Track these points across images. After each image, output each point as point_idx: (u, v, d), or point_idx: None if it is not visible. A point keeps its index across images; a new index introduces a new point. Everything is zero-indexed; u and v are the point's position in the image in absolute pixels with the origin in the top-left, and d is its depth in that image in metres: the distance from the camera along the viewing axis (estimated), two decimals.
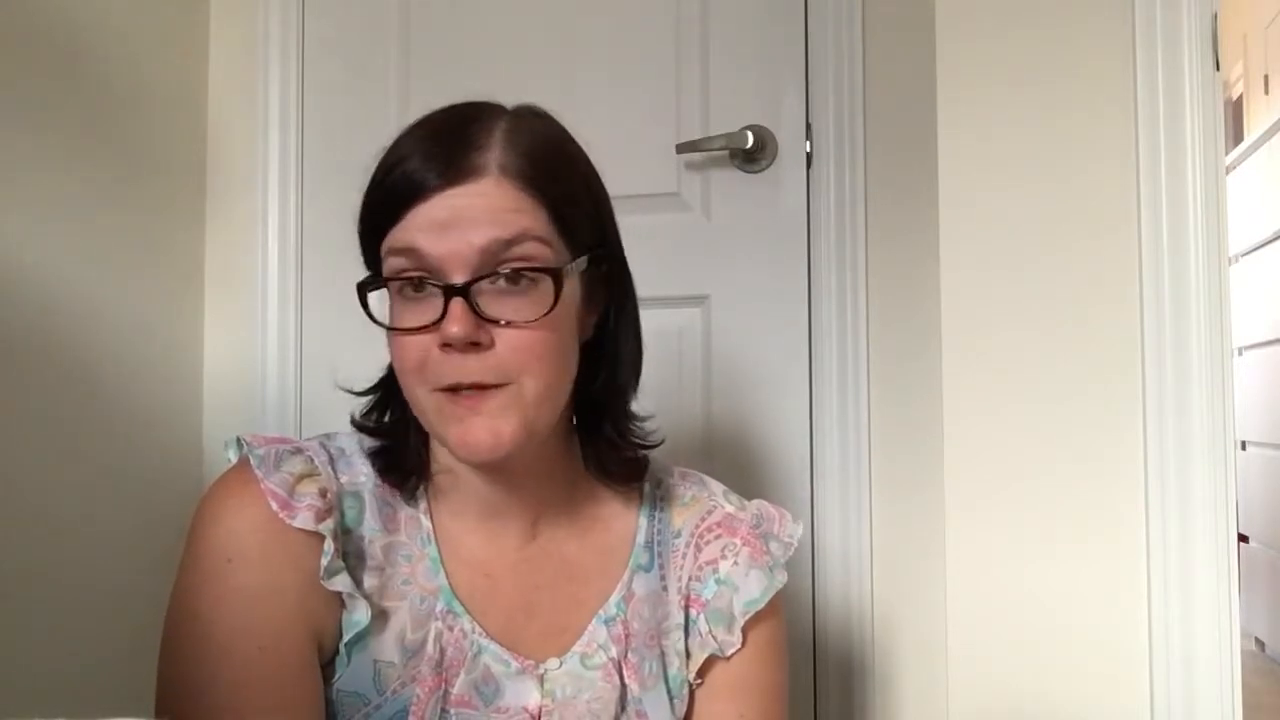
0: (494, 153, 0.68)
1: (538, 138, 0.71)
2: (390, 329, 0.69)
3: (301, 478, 0.70)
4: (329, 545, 0.68)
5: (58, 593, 1.25)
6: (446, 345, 0.66)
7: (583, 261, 0.72)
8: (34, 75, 1.24)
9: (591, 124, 0.77)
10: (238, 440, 0.73)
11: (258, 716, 0.65)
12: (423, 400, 0.69)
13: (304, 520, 0.67)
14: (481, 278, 0.66)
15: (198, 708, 0.65)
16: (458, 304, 0.65)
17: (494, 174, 0.67)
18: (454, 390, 0.67)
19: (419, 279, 0.67)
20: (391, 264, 0.68)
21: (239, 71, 1.57)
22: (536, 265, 0.68)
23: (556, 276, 0.68)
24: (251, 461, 0.69)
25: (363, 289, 0.71)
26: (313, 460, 0.72)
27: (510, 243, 0.66)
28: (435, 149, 0.68)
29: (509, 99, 0.75)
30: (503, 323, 0.67)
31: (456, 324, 0.65)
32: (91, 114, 1.33)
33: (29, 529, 1.21)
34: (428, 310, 0.67)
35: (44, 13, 1.26)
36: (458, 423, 0.68)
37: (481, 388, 0.67)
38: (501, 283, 0.67)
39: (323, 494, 0.70)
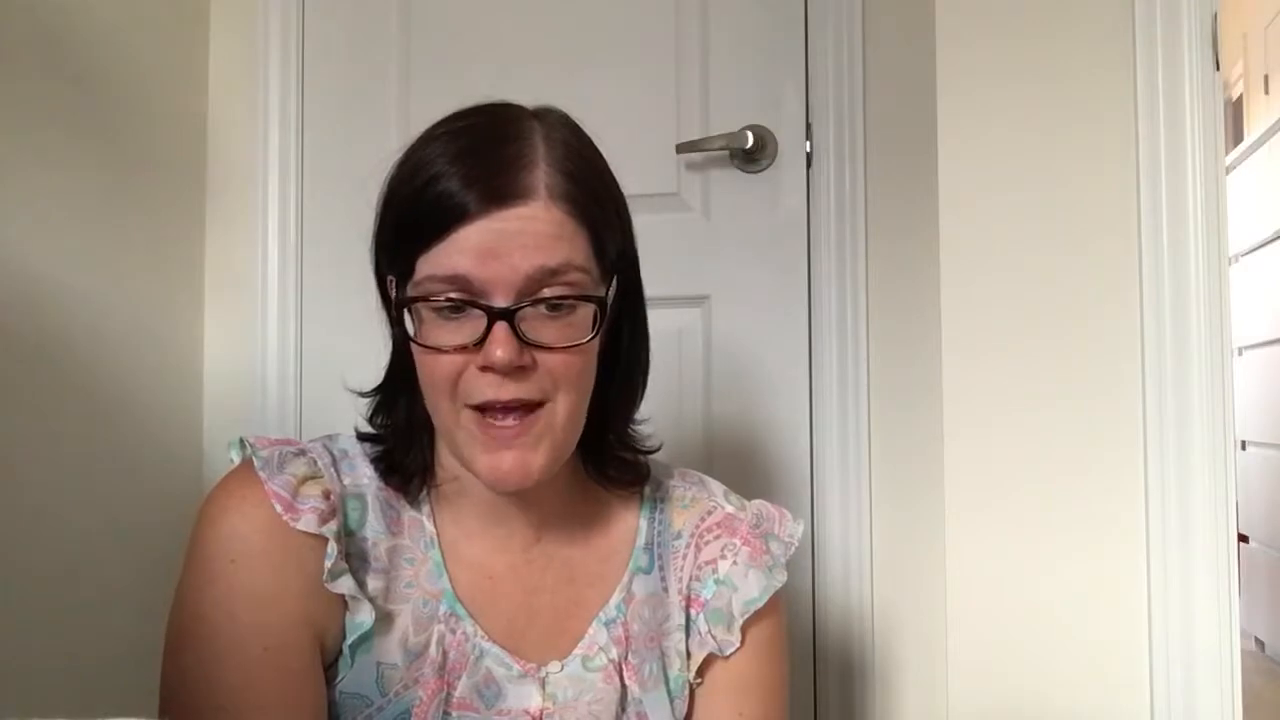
0: (540, 173, 0.67)
1: (576, 156, 0.70)
2: (428, 347, 0.68)
3: (304, 480, 0.70)
4: (332, 548, 0.68)
5: (57, 593, 1.25)
6: (487, 367, 0.66)
7: (614, 285, 0.72)
8: (34, 75, 1.24)
9: (591, 124, 0.77)
10: (241, 441, 0.73)
11: (261, 716, 0.65)
12: (448, 416, 0.69)
13: (307, 523, 0.68)
14: (525, 305, 0.66)
15: (201, 708, 0.65)
16: (502, 328, 0.65)
17: (543, 197, 0.66)
18: (487, 410, 0.67)
19: (461, 304, 0.66)
20: (430, 286, 0.67)
21: (239, 71, 1.56)
22: (581, 294, 0.67)
23: (601, 305, 0.68)
24: (255, 464, 0.69)
25: (401, 306, 0.69)
26: (316, 463, 0.72)
27: (555, 271, 0.66)
28: (476, 168, 0.66)
29: (509, 99, 0.74)
30: (545, 347, 0.67)
31: (501, 348, 0.65)
32: (91, 114, 1.33)
33: (28, 529, 1.21)
34: (466, 330, 0.66)
35: (44, 13, 1.26)
36: (488, 453, 0.68)
37: (518, 407, 0.67)
38: (543, 308, 0.66)
39: (326, 496, 0.70)
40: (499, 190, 0.65)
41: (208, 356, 1.55)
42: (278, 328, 1.54)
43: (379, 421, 0.77)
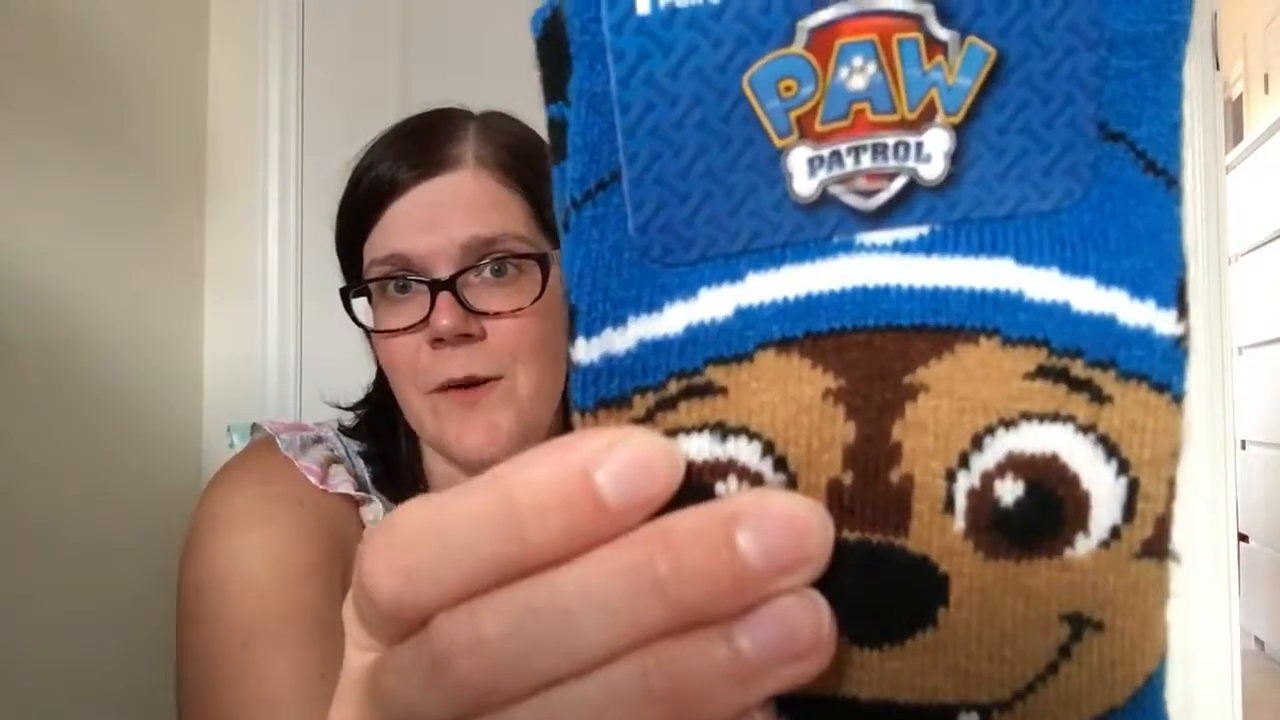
0: (469, 145, 0.67)
1: (510, 132, 0.71)
2: (377, 332, 0.68)
3: (330, 463, 0.70)
4: (377, 506, 0.67)
5: (54, 593, 1.25)
6: (438, 340, 0.65)
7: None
8: (33, 76, 1.24)
9: None
10: (253, 426, 0.72)
11: (274, 662, 0.59)
12: (417, 405, 0.68)
13: (346, 489, 0.67)
14: (466, 270, 0.65)
15: (231, 669, 0.59)
16: (445, 298, 0.64)
17: (471, 165, 0.66)
18: (447, 390, 0.66)
19: (403, 279, 0.66)
20: (374, 271, 0.67)
21: (239, 71, 1.57)
22: (521, 252, 0.67)
23: (543, 262, 0.67)
24: (279, 445, 0.68)
25: (345, 295, 0.70)
26: (333, 450, 0.72)
27: (491, 241, 0.66)
28: (406, 148, 0.68)
29: (508, 100, 0.74)
30: (491, 314, 0.65)
31: (445, 316, 0.64)
32: (91, 114, 1.33)
33: (27, 529, 1.21)
34: (414, 309, 0.66)
35: (44, 13, 1.26)
36: (454, 421, 0.66)
37: (475, 383, 0.66)
38: (487, 274, 0.66)
39: (353, 475, 0.70)
40: (426, 162, 0.66)
41: (208, 356, 1.55)
42: (278, 328, 1.54)
43: (362, 432, 0.76)
